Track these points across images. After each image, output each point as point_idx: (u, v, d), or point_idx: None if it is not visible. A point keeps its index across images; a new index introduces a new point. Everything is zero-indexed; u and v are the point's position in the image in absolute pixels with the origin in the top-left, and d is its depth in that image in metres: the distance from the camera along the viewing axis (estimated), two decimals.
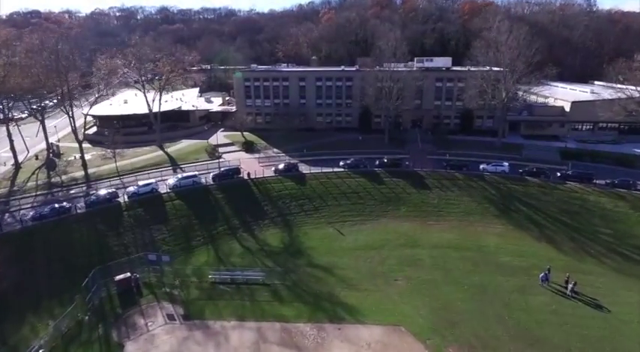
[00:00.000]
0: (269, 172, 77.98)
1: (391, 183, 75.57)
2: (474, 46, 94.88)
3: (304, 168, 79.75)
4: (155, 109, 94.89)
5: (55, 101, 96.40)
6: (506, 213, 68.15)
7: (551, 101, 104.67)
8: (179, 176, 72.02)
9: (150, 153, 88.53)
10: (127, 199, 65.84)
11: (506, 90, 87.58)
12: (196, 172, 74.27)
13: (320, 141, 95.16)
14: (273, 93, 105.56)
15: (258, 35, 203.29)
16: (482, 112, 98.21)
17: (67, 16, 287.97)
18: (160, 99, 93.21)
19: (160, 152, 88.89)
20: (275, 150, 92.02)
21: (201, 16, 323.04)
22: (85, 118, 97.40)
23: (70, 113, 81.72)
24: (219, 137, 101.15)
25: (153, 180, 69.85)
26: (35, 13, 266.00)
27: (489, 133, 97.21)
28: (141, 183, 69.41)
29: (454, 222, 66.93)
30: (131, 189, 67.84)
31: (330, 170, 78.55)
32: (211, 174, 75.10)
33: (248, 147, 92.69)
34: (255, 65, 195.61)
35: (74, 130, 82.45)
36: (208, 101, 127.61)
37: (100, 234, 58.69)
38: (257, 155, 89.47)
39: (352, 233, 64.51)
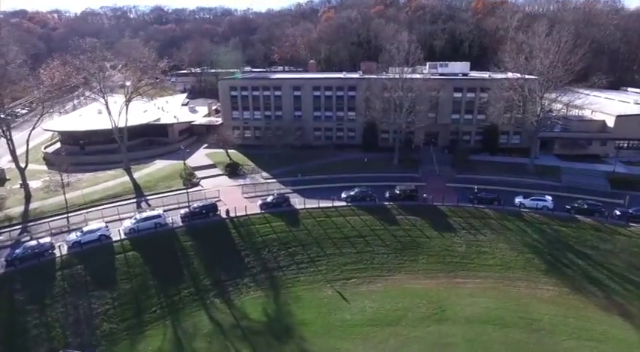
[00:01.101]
0: (254, 207, 61.89)
1: (406, 223, 59.38)
2: (501, 50, 78.35)
3: (297, 201, 63.59)
4: (122, 124, 78.29)
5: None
6: (557, 267, 51.90)
7: (586, 113, 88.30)
8: (138, 217, 55.76)
9: (112, 180, 72.26)
10: (65, 251, 49.78)
11: (541, 103, 71.29)
12: (161, 210, 57.99)
13: (318, 163, 79.00)
14: (263, 104, 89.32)
15: (252, 36, 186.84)
16: (507, 127, 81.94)
17: (55, 15, 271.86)
18: (126, 114, 76.78)
19: (125, 178, 72.54)
20: (264, 174, 75.81)
21: (197, 16, 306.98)
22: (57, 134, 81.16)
23: (8, 133, 65.21)
24: (200, 156, 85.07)
25: (102, 224, 53.58)
26: (21, 13, 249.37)
27: (516, 152, 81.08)
28: (87, 227, 53.25)
29: (489, 280, 50.81)
30: (73, 236, 51.73)
31: (330, 204, 62.39)
32: (181, 211, 59.02)
33: (232, 171, 76.52)
34: (249, 68, 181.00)
35: (12, 152, 65.95)
36: (192, 111, 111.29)
37: (15, 309, 42.59)
38: (242, 181, 73.32)
39: (358, 297, 48.38)
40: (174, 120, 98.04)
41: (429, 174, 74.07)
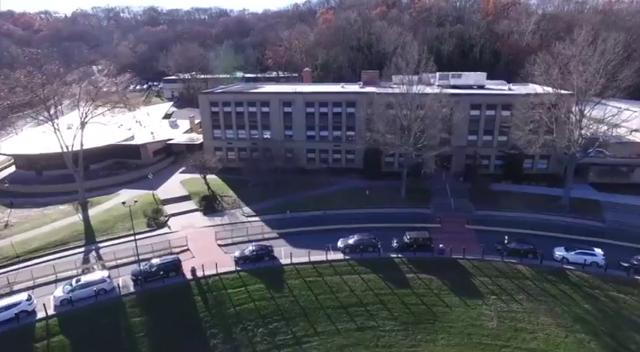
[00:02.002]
0: (228, 260, 48.88)
1: (419, 285, 46.22)
2: (529, 62, 64.84)
3: (283, 252, 50.54)
4: (83, 148, 64.75)
5: None
6: None
7: (621, 132, 74.78)
8: (73, 282, 42.62)
9: (63, 219, 59.20)
10: None
11: (580, 125, 58.00)
12: (106, 272, 44.81)
13: (311, 194, 65.89)
14: (249, 122, 76.12)
15: (246, 38, 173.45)
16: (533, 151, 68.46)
17: (43, 16, 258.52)
18: (81, 138, 63.39)
19: (76, 218, 59.36)
20: (246, 209, 62.74)
21: (192, 17, 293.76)
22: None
23: None
24: (174, 184, 71.89)
25: (23, 296, 40.49)
26: (7, 14, 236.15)
27: (544, 179, 68.05)
28: (2, 301, 40.18)
29: None
30: None
31: (323, 256, 49.33)
32: (131, 271, 45.93)
33: (208, 205, 63.40)
34: (242, 73, 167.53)
35: None
36: (173, 125, 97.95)
37: None
38: (218, 219, 60.24)
39: None
40: (150, 139, 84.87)
41: (444, 211, 60.93)
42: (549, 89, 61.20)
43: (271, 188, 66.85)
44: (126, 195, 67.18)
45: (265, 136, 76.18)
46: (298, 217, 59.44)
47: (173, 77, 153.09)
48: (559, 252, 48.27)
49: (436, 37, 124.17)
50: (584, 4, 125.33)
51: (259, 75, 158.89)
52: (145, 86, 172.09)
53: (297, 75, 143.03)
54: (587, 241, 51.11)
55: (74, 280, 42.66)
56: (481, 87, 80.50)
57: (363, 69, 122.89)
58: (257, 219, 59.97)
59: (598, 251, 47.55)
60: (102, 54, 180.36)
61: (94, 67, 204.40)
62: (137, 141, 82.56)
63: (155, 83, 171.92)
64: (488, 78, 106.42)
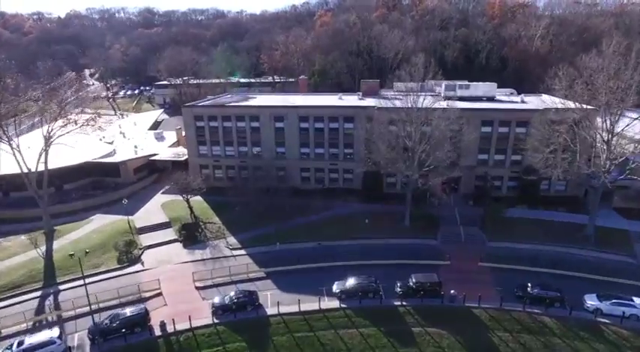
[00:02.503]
0: (205, 308, 41.80)
1: (427, 342, 38.94)
2: (549, 75, 57.41)
3: (270, 298, 43.44)
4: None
5: None
6: None
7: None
8: (15, 346, 35.39)
9: (22, 253, 52.06)
10: None
11: (610, 146, 50.72)
12: (57, 331, 37.56)
13: (304, 221, 58.90)
14: (237, 138, 69.00)
15: (241, 42, 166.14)
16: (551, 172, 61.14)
17: (36, 17, 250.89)
18: (45, 161, 56.05)
19: (34, 253, 51.98)
20: (231, 240, 55.60)
21: (188, 18, 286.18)
22: None
23: None
24: (154, 208, 64.78)
25: None
26: None
27: (562, 203, 61.06)
28: None
29: None
30: None
31: (315, 305, 42.14)
32: (89, 327, 38.74)
33: (189, 235, 56.26)
34: (237, 78, 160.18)
35: None
36: (159, 138, 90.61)
37: None
38: (199, 253, 53.16)
39: None
40: (132, 154, 77.68)
41: (453, 242, 53.84)
42: (570, 104, 54.01)
43: (260, 213, 59.69)
44: (99, 221, 60.36)
45: (255, 153, 69.05)
46: (289, 250, 52.36)
47: (165, 82, 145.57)
48: (591, 302, 41.06)
49: (440, 42, 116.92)
50: (593, 6, 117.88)
51: (254, 80, 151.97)
52: (136, 91, 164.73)
53: (293, 80, 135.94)
54: (621, 284, 44.03)
55: (15, 343, 35.51)
56: (491, 98, 73.27)
57: (363, 74, 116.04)
58: (243, 252, 52.87)
59: (638, 301, 40.32)
60: (92, 58, 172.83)
61: (86, 71, 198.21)
62: (117, 157, 75.47)
63: (147, 88, 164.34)
64: (497, 85, 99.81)
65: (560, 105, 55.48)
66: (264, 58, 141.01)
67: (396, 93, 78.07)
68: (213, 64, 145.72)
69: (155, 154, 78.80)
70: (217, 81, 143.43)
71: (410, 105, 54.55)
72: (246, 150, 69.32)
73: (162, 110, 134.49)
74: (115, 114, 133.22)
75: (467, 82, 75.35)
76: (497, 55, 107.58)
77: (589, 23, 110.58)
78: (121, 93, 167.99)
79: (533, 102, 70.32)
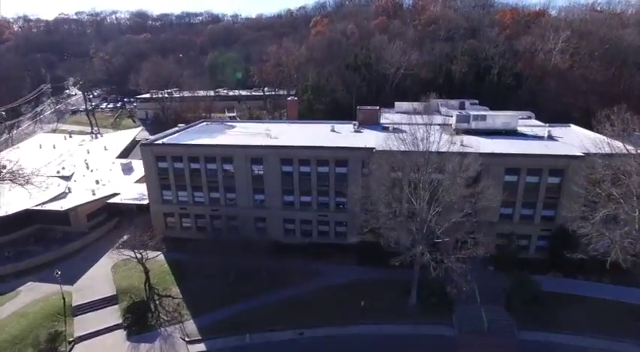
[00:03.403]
0: None
1: None
2: (598, 116, 44.61)
3: None
4: None
5: None
6: None
7: None
8: None
9: None
10: None
11: None
12: None
13: (286, 295, 46.60)
14: (207, 183, 56.46)
15: (229, 53, 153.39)
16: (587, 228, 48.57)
17: (22, 21, 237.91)
18: None
19: None
20: (190, 325, 43.18)
21: (183, 21, 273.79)
22: None
23: None
24: (101, 272, 52.25)
25: None
26: None
27: (606, 270, 48.14)
28: None
29: None
30: None
31: None
32: None
33: (138, 317, 43.74)
34: (225, 90, 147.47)
35: None
36: (127, 170, 77.78)
37: None
38: (146, 347, 40.69)
39: None
40: (89, 194, 65.18)
41: (473, 331, 41.43)
42: (619, 144, 41.54)
43: (232, 282, 47.33)
44: (28, 294, 47.87)
45: (229, 201, 56.54)
46: (263, 345, 39.94)
47: (147, 95, 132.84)
48: None
49: (446, 55, 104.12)
50: (618, 16, 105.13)
51: (243, 92, 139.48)
52: (118, 104, 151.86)
53: (285, 92, 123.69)
54: None
55: None
56: (512, 132, 60.71)
57: (360, 91, 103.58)
58: (202, 348, 40.34)
59: None
60: (69, 69, 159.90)
61: (71, 79, 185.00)
62: (69, 199, 62.89)
63: (131, 100, 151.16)
64: (508, 104, 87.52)
65: (606, 148, 42.91)
66: (254, 69, 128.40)
67: (399, 124, 66.78)
68: (199, 76, 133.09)
69: (116, 194, 66.08)
70: (203, 94, 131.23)
71: (418, 146, 41.84)
72: (218, 197, 56.78)
73: (142, 128, 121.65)
74: (92, 132, 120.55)
75: (483, 113, 62.58)
76: (511, 71, 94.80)
77: (612, 35, 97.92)
78: (104, 105, 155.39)
79: (565, 138, 57.94)
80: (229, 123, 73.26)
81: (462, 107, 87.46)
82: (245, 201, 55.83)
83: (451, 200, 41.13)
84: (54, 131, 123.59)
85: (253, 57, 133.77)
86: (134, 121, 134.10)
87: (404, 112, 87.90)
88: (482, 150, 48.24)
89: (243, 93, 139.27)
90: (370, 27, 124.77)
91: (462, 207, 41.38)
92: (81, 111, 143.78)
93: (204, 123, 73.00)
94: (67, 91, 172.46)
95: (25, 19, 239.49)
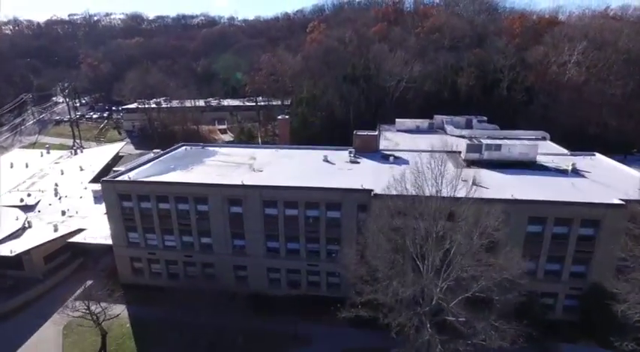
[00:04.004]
0: None
1: None
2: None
3: None
4: None
5: None
6: None
7: None
8: None
9: None
10: None
11: None
12: None
13: None
14: (178, 225, 48.30)
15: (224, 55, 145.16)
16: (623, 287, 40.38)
17: (11, 24, 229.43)
18: None
19: None
20: None
21: (179, 23, 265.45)
22: None
23: None
24: (53, 334, 44.02)
25: None
26: None
27: None
28: None
29: None
30: None
31: None
32: None
33: None
34: (217, 100, 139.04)
35: None
36: (98, 197, 68.92)
37: None
38: None
39: None
40: (50, 231, 56.97)
41: None
42: None
43: (207, 340, 39.20)
44: None
45: (205, 246, 48.40)
46: None
47: (133, 106, 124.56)
48: None
49: (450, 66, 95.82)
50: (638, 25, 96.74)
51: (234, 102, 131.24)
52: (105, 113, 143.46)
53: (280, 102, 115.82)
54: None
55: None
56: (531, 164, 52.52)
57: (358, 105, 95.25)
58: None
59: None
60: (54, 76, 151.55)
61: (59, 85, 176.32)
62: (24, 239, 54.63)
63: (119, 109, 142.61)
64: (518, 120, 79.88)
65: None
66: (246, 79, 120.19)
67: (401, 150, 58.79)
68: (189, 85, 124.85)
69: (81, 230, 57.70)
70: (193, 104, 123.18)
71: (424, 191, 33.63)
72: (192, 241, 48.64)
73: (127, 141, 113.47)
74: (73, 146, 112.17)
75: (498, 141, 54.25)
76: (522, 85, 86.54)
77: (632, 45, 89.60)
78: (91, 114, 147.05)
79: (593, 172, 49.80)
80: (211, 148, 64.88)
81: (469, 125, 79.65)
82: (222, 247, 47.71)
83: (465, 268, 32.99)
84: (33, 144, 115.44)
85: (246, 65, 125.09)
86: (120, 133, 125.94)
87: (405, 131, 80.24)
88: (499, 194, 40.43)
89: (235, 103, 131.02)
90: (369, 34, 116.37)
91: (478, 277, 33.27)
92: (65, 121, 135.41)
93: (184, 148, 64.66)
94: (54, 99, 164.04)
95: (16, 22, 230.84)
